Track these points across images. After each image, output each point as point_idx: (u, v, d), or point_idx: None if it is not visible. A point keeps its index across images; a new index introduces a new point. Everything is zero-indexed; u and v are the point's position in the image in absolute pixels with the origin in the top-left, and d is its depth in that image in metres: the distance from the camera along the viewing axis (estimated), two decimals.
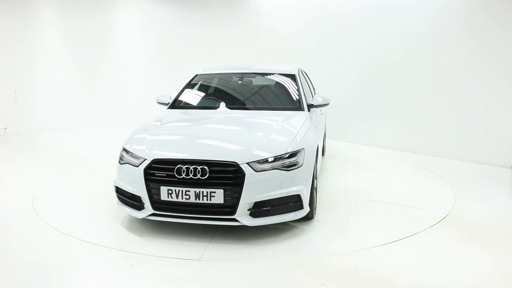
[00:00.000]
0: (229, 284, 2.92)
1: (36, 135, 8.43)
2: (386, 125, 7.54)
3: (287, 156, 3.53)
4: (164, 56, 10.46)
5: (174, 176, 3.40)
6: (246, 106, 4.76)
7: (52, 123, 9.04)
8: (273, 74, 5.27)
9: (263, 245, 3.51)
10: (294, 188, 3.50)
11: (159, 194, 3.45)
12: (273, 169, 3.44)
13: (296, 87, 4.87)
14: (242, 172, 3.35)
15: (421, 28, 6.90)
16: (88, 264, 3.20)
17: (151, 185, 3.49)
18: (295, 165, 3.54)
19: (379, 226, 3.93)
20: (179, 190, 3.38)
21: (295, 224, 3.92)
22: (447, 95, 6.73)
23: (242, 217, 3.40)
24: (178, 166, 3.40)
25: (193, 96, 5.14)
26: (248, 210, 3.41)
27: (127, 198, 3.76)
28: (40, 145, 7.66)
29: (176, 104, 4.95)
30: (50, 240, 3.58)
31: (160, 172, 3.47)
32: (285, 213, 3.53)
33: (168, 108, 4.89)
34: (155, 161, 3.50)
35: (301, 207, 3.61)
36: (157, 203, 3.50)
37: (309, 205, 3.75)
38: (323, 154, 6.58)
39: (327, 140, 7.43)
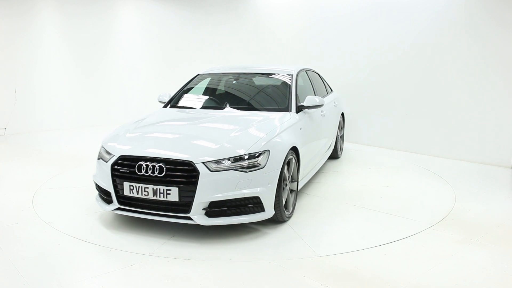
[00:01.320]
0: (229, 284, 2.92)
1: (36, 135, 8.42)
2: (386, 124, 7.54)
3: (246, 157, 3.51)
4: (164, 56, 10.45)
5: (135, 173, 3.53)
6: (234, 107, 4.74)
7: (52, 123, 9.04)
8: (270, 74, 5.25)
9: (215, 244, 3.51)
10: (252, 190, 3.47)
11: (123, 190, 3.59)
12: (230, 169, 3.43)
13: (289, 88, 4.80)
14: (197, 171, 3.38)
15: (420, 28, 6.90)
16: (88, 264, 3.20)
17: (117, 180, 3.64)
18: (255, 166, 3.50)
19: (348, 233, 3.76)
20: (139, 187, 3.50)
21: (257, 226, 3.86)
22: (447, 95, 6.73)
23: (197, 216, 3.43)
24: (139, 163, 3.51)
25: (188, 96, 5.21)
26: (203, 209, 3.43)
27: (101, 193, 3.91)
28: (40, 145, 7.66)
29: (172, 103, 5.07)
30: (50, 240, 3.58)
31: (124, 168, 3.61)
32: (243, 215, 3.52)
33: (163, 107, 5.03)
34: (121, 158, 3.64)
35: (262, 209, 3.57)
36: (121, 198, 3.65)
37: (275, 208, 3.69)
38: (337, 157, 6.50)
39: (345, 143, 7.37)
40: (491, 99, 6.28)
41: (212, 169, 3.40)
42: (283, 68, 5.31)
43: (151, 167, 3.47)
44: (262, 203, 3.54)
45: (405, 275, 3.05)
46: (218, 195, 3.40)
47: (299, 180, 4.31)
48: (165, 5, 10.31)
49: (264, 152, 3.60)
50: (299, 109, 4.63)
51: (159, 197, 3.45)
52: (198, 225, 3.82)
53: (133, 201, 3.61)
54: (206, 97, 5.19)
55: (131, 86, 10.26)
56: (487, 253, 3.42)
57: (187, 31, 10.35)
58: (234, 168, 3.44)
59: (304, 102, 4.65)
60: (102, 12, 9.63)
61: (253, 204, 3.53)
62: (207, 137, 3.83)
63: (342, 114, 6.73)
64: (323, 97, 5.74)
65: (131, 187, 3.53)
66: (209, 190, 3.38)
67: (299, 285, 2.90)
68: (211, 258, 3.29)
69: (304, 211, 4.32)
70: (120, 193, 3.63)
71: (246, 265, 3.18)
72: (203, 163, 3.41)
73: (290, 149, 3.93)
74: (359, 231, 3.84)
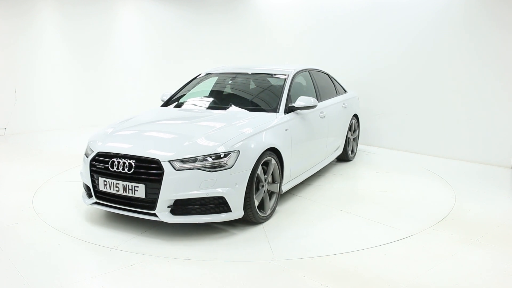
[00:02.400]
0: (229, 284, 2.92)
1: (36, 135, 8.42)
2: (386, 125, 7.54)
3: (213, 157, 3.54)
4: (164, 56, 10.44)
5: (108, 169, 3.68)
6: (223, 107, 4.82)
7: (52, 123, 9.04)
8: (265, 75, 5.23)
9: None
10: (216, 190, 3.49)
11: (99, 185, 3.75)
12: (194, 169, 3.48)
13: (281, 89, 4.77)
14: (162, 169, 3.46)
15: (420, 28, 6.90)
16: (88, 264, 3.20)
17: (95, 175, 3.80)
18: (221, 166, 3.53)
19: (320, 238, 3.66)
20: (111, 182, 3.65)
21: (225, 226, 3.85)
22: (447, 95, 6.73)
23: (162, 213, 3.51)
24: (112, 159, 3.67)
25: (186, 96, 5.30)
26: (168, 207, 3.50)
27: (84, 187, 4.08)
28: (40, 145, 7.66)
29: (169, 102, 5.21)
30: (50, 240, 3.58)
31: (100, 164, 3.77)
32: (208, 214, 3.55)
33: (161, 106, 5.19)
34: (98, 154, 3.81)
35: (228, 209, 3.58)
36: (98, 193, 3.81)
37: (246, 209, 3.69)
38: (348, 159, 6.34)
39: (362, 146, 7.31)
40: (491, 99, 6.28)
41: (177, 168, 3.47)
42: (280, 68, 5.27)
43: (122, 164, 3.60)
44: (227, 203, 3.55)
45: (405, 275, 3.05)
46: (182, 193, 3.46)
47: (283, 182, 4.27)
48: (165, 5, 10.31)
49: (232, 152, 3.60)
50: (290, 110, 4.60)
51: (128, 193, 3.57)
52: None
53: (108, 196, 3.75)
54: (201, 97, 5.25)
55: (131, 86, 10.26)
56: (487, 253, 3.42)
57: (187, 31, 10.35)
58: (199, 168, 3.49)
59: (295, 103, 4.60)
60: (102, 12, 9.63)
61: (218, 204, 3.55)
62: (180, 136, 3.87)
63: (356, 116, 6.58)
64: (329, 98, 5.68)
65: (105, 183, 3.69)
66: (173, 188, 3.45)
67: (299, 285, 2.90)
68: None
69: (289, 213, 4.24)
70: (97, 188, 3.79)
71: (246, 265, 3.18)
72: (169, 161, 3.48)
73: (267, 150, 3.91)
74: (332, 236, 3.71)
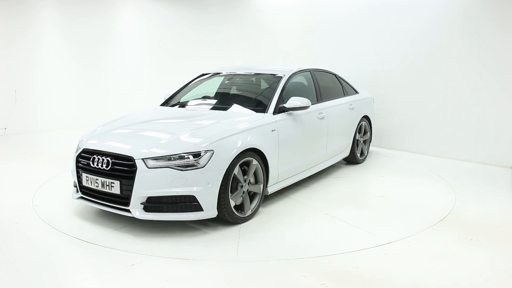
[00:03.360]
0: (229, 284, 2.92)
1: (36, 135, 8.43)
2: (387, 125, 7.54)
3: (185, 156, 3.58)
4: (164, 55, 10.44)
5: (90, 165, 3.83)
6: (215, 106, 4.88)
7: (52, 123, 9.04)
8: (262, 75, 5.23)
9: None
10: (187, 189, 3.53)
11: (83, 180, 3.92)
12: (166, 167, 3.54)
13: (273, 90, 4.74)
14: (135, 167, 3.55)
15: (420, 28, 6.90)
16: (88, 264, 3.20)
17: (80, 171, 3.97)
18: (193, 165, 3.57)
19: (292, 242, 3.59)
20: (92, 178, 3.81)
21: (198, 225, 3.86)
22: (447, 95, 6.73)
23: (135, 209, 3.59)
24: (93, 156, 3.81)
25: (184, 96, 5.37)
26: (142, 203, 3.58)
27: (73, 183, 4.24)
28: (40, 145, 7.66)
29: (169, 102, 5.33)
30: (50, 240, 3.58)
31: (83, 160, 3.93)
32: (179, 212, 3.60)
33: (161, 105, 5.31)
34: (83, 151, 3.97)
35: (199, 208, 3.61)
36: (82, 188, 3.98)
37: (222, 209, 3.71)
38: (357, 162, 6.17)
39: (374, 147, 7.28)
40: (491, 99, 6.28)
41: (149, 166, 3.55)
42: (278, 68, 5.20)
43: (101, 160, 3.74)
44: (199, 202, 3.59)
45: (405, 275, 3.05)
46: (154, 191, 3.53)
47: (268, 183, 4.25)
48: (165, 5, 10.31)
49: (205, 152, 3.62)
50: (282, 110, 4.57)
51: (106, 189, 3.70)
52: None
53: (90, 191, 3.90)
54: (199, 98, 5.28)
55: (131, 86, 10.27)
56: (487, 253, 3.42)
57: (187, 31, 10.35)
58: (170, 166, 3.55)
59: (286, 104, 4.56)
60: (102, 12, 9.63)
61: (189, 202, 3.59)
62: (160, 134, 3.93)
63: (367, 118, 6.42)
64: (333, 99, 5.58)
65: (87, 178, 3.86)
66: (145, 185, 3.53)
67: (299, 285, 2.90)
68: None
69: (273, 215, 4.20)
70: (82, 183, 3.95)
71: (246, 265, 3.18)
72: (142, 159, 3.57)
73: (248, 151, 3.92)
74: (306, 240, 3.65)
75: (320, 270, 3.11)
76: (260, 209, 4.32)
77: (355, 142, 6.07)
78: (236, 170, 3.80)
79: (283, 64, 6.17)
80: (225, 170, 3.68)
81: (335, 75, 6.10)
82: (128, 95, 10.21)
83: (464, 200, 4.71)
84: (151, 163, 3.55)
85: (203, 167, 3.58)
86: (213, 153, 3.65)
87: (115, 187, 3.63)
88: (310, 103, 4.66)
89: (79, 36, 9.33)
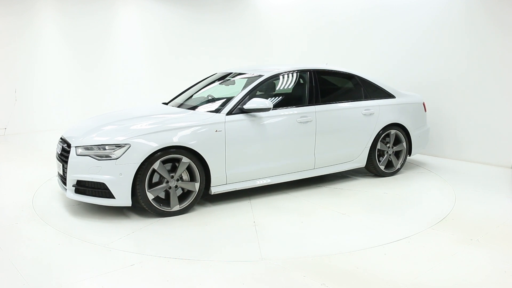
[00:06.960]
0: (229, 284, 2.92)
1: (36, 135, 8.43)
2: None
3: (103, 148, 3.99)
4: (164, 54, 10.44)
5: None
6: (192, 106, 4.95)
7: (52, 123, 9.04)
8: (246, 77, 5.18)
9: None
10: (98, 176, 3.93)
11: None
12: (87, 155, 4.00)
13: (240, 91, 4.72)
14: (69, 153, 4.09)
15: (423, 29, 6.90)
16: (88, 264, 3.20)
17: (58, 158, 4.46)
18: (108, 156, 3.94)
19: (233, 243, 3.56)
20: (58, 164, 4.41)
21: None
22: (447, 95, 6.73)
23: (69, 190, 4.10)
24: (58, 143, 4.43)
25: (182, 96, 5.48)
26: (73, 186, 4.07)
27: None
28: (40, 145, 7.66)
29: (173, 100, 5.47)
30: (50, 240, 3.59)
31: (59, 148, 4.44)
32: (97, 197, 4.01)
33: (163, 103, 5.48)
34: (60, 138, 4.48)
35: (111, 195, 3.94)
36: (60, 176, 4.43)
37: (142, 201, 3.96)
38: (381, 175, 5.56)
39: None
40: (491, 99, 6.28)
41: (77, 153, 4.04)
42: (265, 69, 5.08)
43: (61, 147, 4.32)
44: (109, 190, 3.92)
45: (405, 275, 3.05)
46: (77, 175, 4.02)
47: (212, 183, 4.29)
48: (165, 4, 10.31)
49: (119, 146, 3.96)
50: (242, 111, 4.48)
51: (61, 172, 4.25)
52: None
53: (61, 177, 4.38)
54: (191, 97, 5.33)
55: (131, 86, 10.26)
56: (487, 253, 3.42)
57: (187, 30, 10.35)
58: (90, 155, 3.99)
59: (245, 105, 4.49)
60: (102, 11, 9.62)
61: (103, 189, 3.96)
62: (107, 127, 4.31)
63: (400, 125, 5.59)
64: (340, 102, 5.21)
65: (58, 164, 4.39)
66: (73, 170, 4.04)
67: (299, 285, 2.91)
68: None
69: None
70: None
71: (245, 265, 3.18)
72: (75, 147, 4.07)
73: (180, 149, 4.07)
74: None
75: (320, 270, 3.11)
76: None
77: (374, 152, 5.47)
78: (157, 165, 4.01)
79: (273, 65, 5.84)
80: (139, 163, 3.93)
81: (355, 76, 5.49)
82: (128, 94, 10.20)
83: (464, 200, 4.71)
84: (79, 150, 4.04)
85: (116, 159, 3.91)
86: (129, 147, 3.95)
87: (63, 170, 4.19)
88: (272, 105, 4.52)
89: (79, 35, 9.32)
